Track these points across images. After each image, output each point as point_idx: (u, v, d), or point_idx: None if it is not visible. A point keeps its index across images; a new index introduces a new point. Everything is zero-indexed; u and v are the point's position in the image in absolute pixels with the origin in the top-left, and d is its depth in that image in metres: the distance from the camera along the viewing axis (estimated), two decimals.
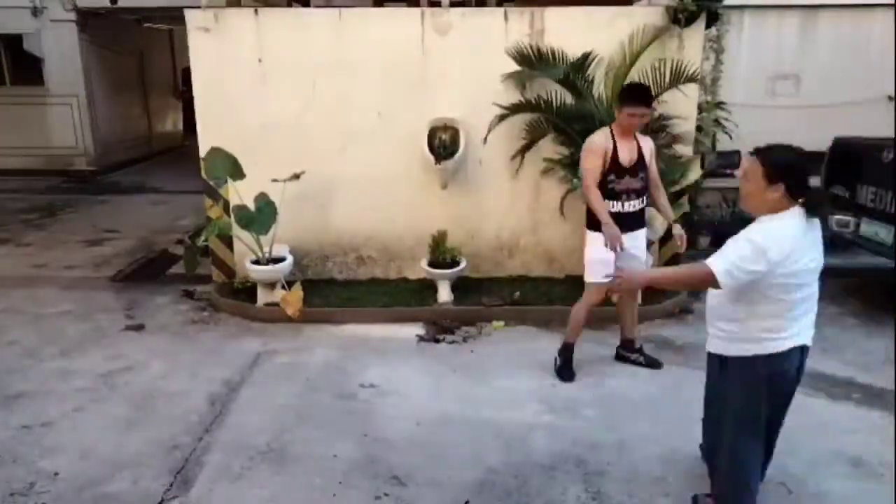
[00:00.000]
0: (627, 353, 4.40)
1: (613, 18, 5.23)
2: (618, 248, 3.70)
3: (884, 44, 7.16)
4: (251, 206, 5.04)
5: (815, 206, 2.44)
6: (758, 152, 2.52)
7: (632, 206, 3.97)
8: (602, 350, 4.59)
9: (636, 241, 4.00)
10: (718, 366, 2.68)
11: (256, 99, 5.36)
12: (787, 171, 2.44)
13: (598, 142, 3.90)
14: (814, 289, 2.52)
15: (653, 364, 4.34)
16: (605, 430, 3.57)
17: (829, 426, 3.61)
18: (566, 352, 4.23)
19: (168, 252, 7.02)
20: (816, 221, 2.46)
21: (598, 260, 3.83)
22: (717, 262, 2.42)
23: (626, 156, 3.91)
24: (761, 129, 7.14)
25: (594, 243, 3.91)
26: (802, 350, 2.56)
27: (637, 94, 3.90)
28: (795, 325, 2.51)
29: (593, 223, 3.92)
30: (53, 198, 9.90)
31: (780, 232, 2.40)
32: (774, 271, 2.38)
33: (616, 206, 3.92)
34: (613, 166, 3.89)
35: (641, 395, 3.96)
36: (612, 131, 3.94)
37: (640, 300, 4.60)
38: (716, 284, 2.44)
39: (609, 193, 3.91)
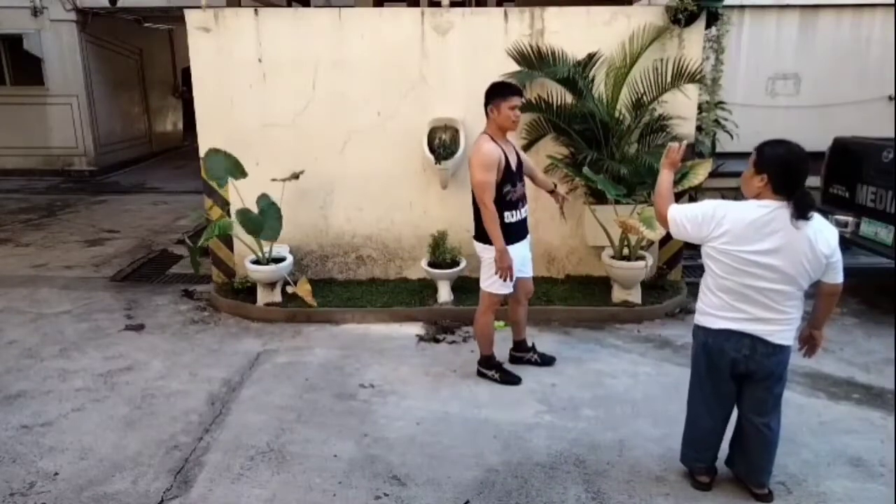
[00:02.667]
0: (521, 353, 4.34)
1: (613, 18, 5.22)
2: (507, 278, 3.72)
3: (884, 44, 7.16)
4: (252, 206, 5.03)
5: (800, 208, 2.53)
6: (759, 145, 2.68)
7: (525, 210, 3.89)
8: (601, 350, 4.59)
9: (528, 245, 3.99)
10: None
11: (256, 99, 5.36)
12: (771, 163, 2.58)
13: (493, 152, 3.61)
14: (776, 287, 2.63)
15: (547, 361, 4.31)
16: (605, 430, 3.56)
17: (829, 426, 3.61)
18: (493, 363, 4.13)
19: (168, 252, 7.02)
20: (804, 227, 2.55)
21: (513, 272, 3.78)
22: (673, 208, 2.78)
23: (514, 160, 3.75)
24: (761, 129, 7.20)
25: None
26: (753, 339, 2.70)
27: (510, 86, 3.73)
28: (736, 312, 2.70)
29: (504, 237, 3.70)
30: (53, 198, 9.90)
31: (735, 211, 2.62)
32: (711, 241, 2.67)
33: (515, 216, 3.80)
34: (508, 175, 3.68)
35: (641, 395, 3.96)
36: (491, 138, 3.68)
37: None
38: (665, 225, 2.82)
39: (507, 204, 3.74)
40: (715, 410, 2.95)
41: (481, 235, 3.83)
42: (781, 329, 2.70)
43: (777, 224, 2.57)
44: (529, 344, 4.37)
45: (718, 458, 3.08)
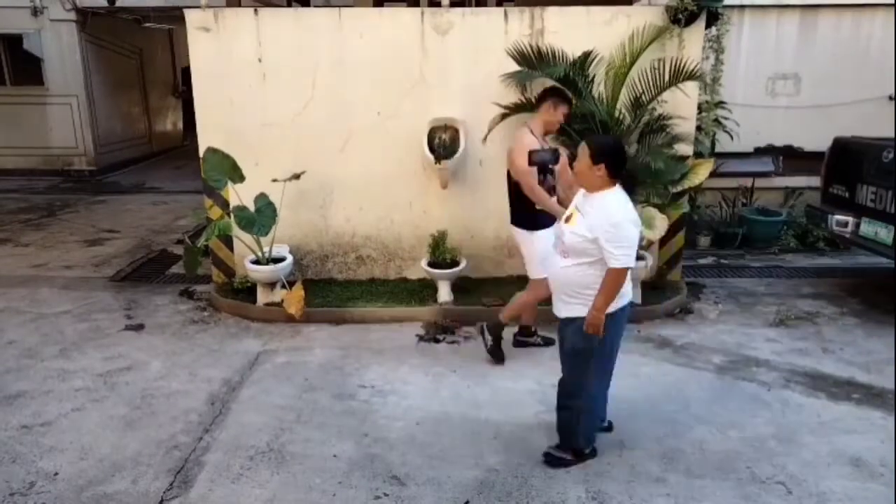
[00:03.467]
0: (526, 338, 4.59)
1: (613, 18, 5.22)
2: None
3: (884, 44, 7.16)
4: (251, 205, 5.03)
5: (629, 186, 2.95)
6: (587, 140, 3.02)
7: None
8: None
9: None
10: (571, 325, 3.07)
11: (256, 99, 5.35)
12: (606, 152, 2.92)
13: (532, 144, 3.94)
14: None
15: (549, 342, 4.49)
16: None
17: (829, 426, 3.61)
18: (497, 329, 4.33)
19: (168, 252, 7.02)
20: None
21: (546, 256, 3.99)
22: (622, 257, 2.85)
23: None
24: (761, 129, 7.21)
25: (540, 240, 3.99)
26: (631, 304, 3.15)
27: (567, 96, 4.13)
28: (628, 285, 3.03)
29: (530, 223, 4.05)
30: (53, 198, 9.90)
31: (628, 205, 2.95)
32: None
33: None
34: (539, 167, 3.98)
35: (641, 395, 3.95)
36: (531, 131, 3.99)
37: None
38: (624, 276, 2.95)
39: None
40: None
41: (518, 220, 4.07)
42: None
43: None
44: (533, 329, 4.59)
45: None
